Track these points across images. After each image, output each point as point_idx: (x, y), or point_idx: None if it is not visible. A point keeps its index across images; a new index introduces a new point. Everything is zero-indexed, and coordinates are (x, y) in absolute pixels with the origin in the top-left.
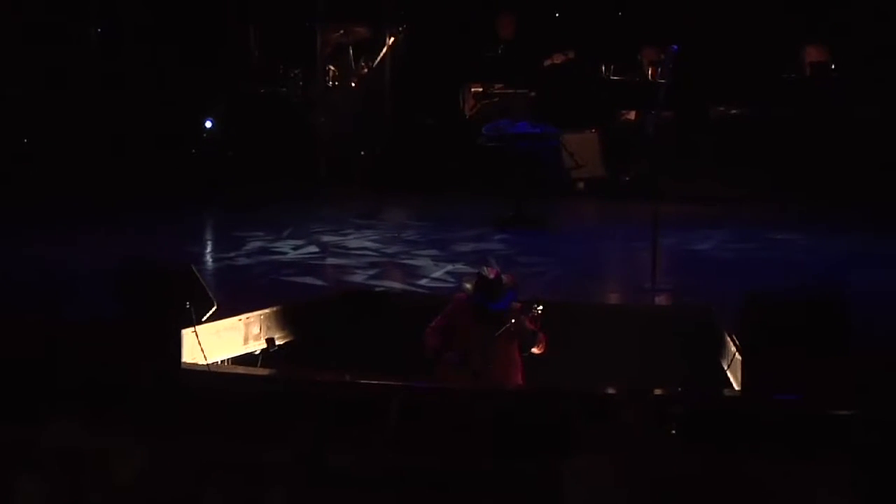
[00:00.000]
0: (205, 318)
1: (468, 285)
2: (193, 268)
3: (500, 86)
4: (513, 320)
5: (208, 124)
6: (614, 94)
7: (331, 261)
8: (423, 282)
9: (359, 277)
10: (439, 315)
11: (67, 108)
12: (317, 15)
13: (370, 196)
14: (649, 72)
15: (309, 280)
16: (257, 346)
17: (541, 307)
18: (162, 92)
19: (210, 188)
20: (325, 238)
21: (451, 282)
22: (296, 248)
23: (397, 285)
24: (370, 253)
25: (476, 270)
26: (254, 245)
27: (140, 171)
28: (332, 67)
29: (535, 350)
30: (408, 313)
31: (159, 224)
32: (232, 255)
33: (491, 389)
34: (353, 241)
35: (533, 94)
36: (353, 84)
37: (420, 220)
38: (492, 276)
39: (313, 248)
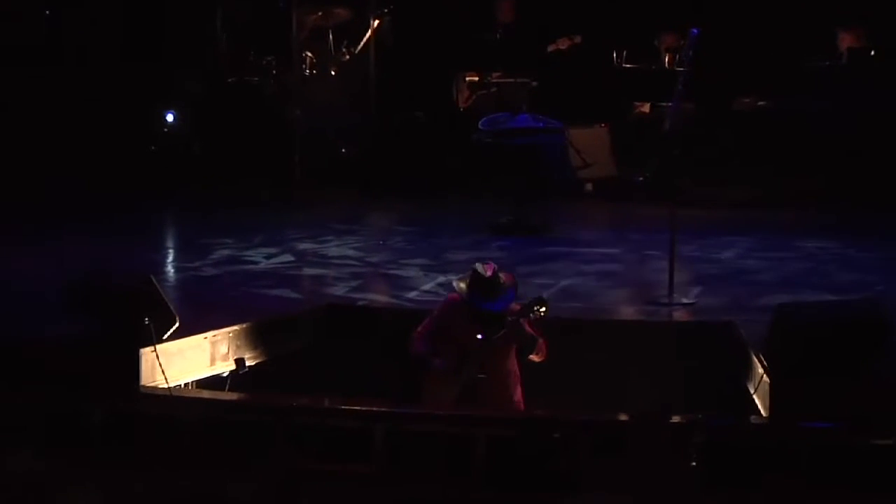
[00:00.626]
0: (166, 335)
1: (461, 284)
2: (153, 279)
3: (498, 74)
4: (510, 320)
5: (169, 118)
6: (627, 84)
7: (308, 271)
8: (412, 294)
9: (339, 290)
10: (428, 317)
11: (8, 96)
12: None
13: (352, 198)
14: (666, 59)
15: (283, 293)
16: (225, 367)
17: (543, 309)
18: (117, 81)
19: (172, 189)
20: (302, 246)
21: (443, 294)
22: (269, 256)
23: (382, 298)
24: (352, 262)
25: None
26: (221, 253)
27: (91, 170)
28: (308, 54)
29: (534, 357)
30: (394, 330)
31: (114, 230)
32: (197, 264)
33: (487, 416)
34: (334, 249)
35: (535, 83)
36: (332, 73)
37: (408, 225)
38: (488, 273)
39: (288, 257)
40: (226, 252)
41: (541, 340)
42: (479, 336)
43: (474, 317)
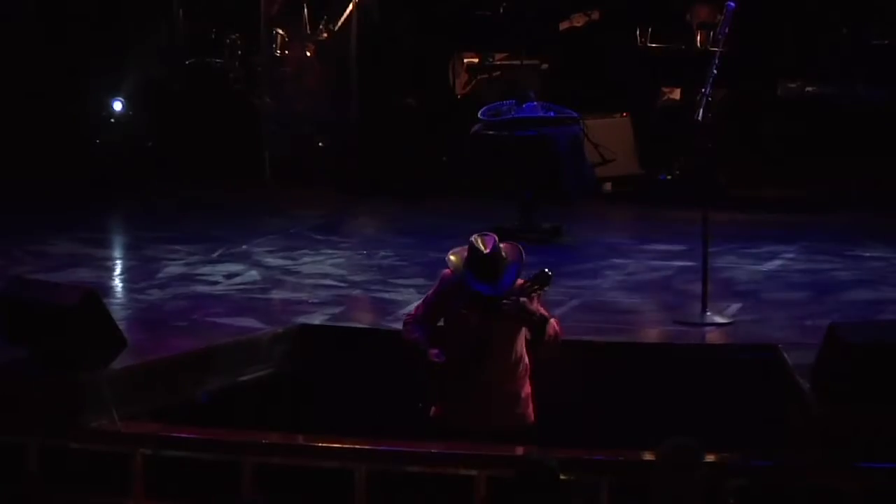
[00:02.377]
0: (113, 361)
1: (455, 258)
2: (97, 295)
3: (502, 56)
4: (507, 302)
5: (117, 106)
6: (653, 67)
7: (277, 294)
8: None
9: (316, 317)
10: (422, 299)
11: None
12: None
13: (330, 200)
14: (699, 37)
15: (245, 322)
16: (184, 397)
17: (546, 286)
18: (54, 63)
19: (118, 189)
20: (270, 260)
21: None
22: (229, 275)
23: (368, 327)
24: (331, 283)
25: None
26: (171, 270)
27: (23, 166)
28: (280, 31)
29: (548, 342)
30: (379, 355)
31: (46, 238)
32: (141, 285)
33: (491, 454)
34: (309, 265)
35: (545, 66)
36: (307, 53)
37: (398, 233)
38: (486, 249)
39: (253, 276)
40: (176, 269)
41: (553, 321)
42: (478, 319)
43: (474, 299)
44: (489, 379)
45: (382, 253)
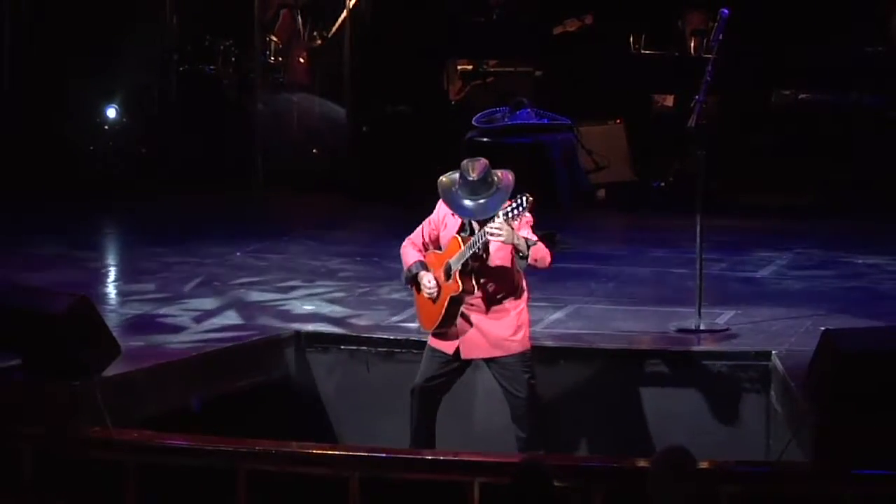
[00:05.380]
0: (106, 368)
1: (445, 179)
2: (91, 301)
3: (495, 62)
4: (486, 228)
5: (111, 113)
6: (646, 74)
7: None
8: None
9: (310, 324)
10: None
11: None
12: None
13: (325, 208)
14: (692, 44)
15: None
16: (178, 404)
17: (524, 206)
18: (47, 70)
19: (109, 196)
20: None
21: None
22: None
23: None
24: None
25: None
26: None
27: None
28: (274, 38)
29: (532, 264)
30: (376, 360)
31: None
32: (134, 290)
33: (486, 460)
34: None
35: (539, 72)
36: (301, 59)
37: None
38: (473, 174)
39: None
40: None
41: (540, 244)
42: (461, 242)
43: (465, 221)
44: (483, 302)
45: (375, 260)
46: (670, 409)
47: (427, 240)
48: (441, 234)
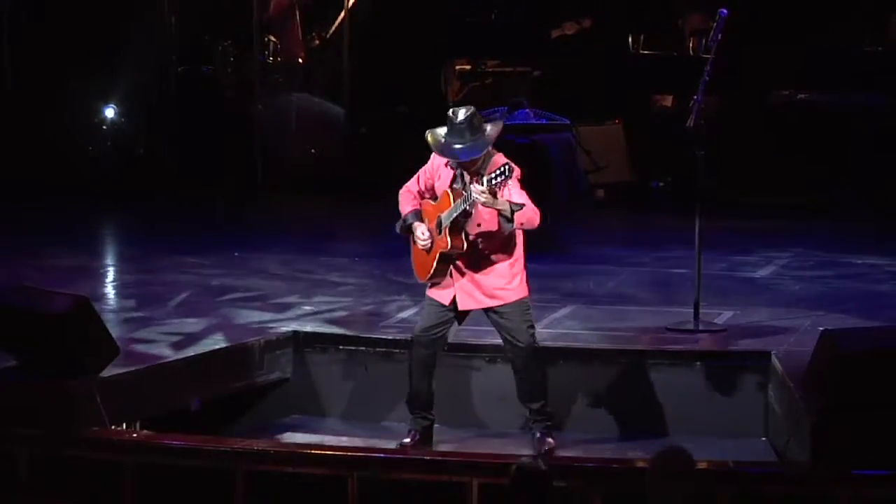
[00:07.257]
0: (105, 368)
1: (431, 131)
2: (90, 302)
3: (493, 63)
4: (478, 185)
5: (109, 113)
6: (645, 74)
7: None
8: None
9: (308, 324)
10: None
11: None
12: None
13: (324, 208)
14: (691, 44)
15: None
16: (178, 404)
17: (504, 175)
18: (45, 70)
19: (107, 197)
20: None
21: None
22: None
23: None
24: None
25: None
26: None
27: (14, 173)
28: (272, 38)
29: (521, 226)
30: (375, 361)
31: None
32: (133, 292)
33: (485, 461)
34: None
35: (537, 73)
36: (300, 60)
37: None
38: (459, 117)
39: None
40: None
41: (528, 206)
42: (452, 197)
43: (456, 173)
44: (476, 252)
45: (374, 260)
46: (669, 409)
47: (422, 188)
48: (436, 185)
